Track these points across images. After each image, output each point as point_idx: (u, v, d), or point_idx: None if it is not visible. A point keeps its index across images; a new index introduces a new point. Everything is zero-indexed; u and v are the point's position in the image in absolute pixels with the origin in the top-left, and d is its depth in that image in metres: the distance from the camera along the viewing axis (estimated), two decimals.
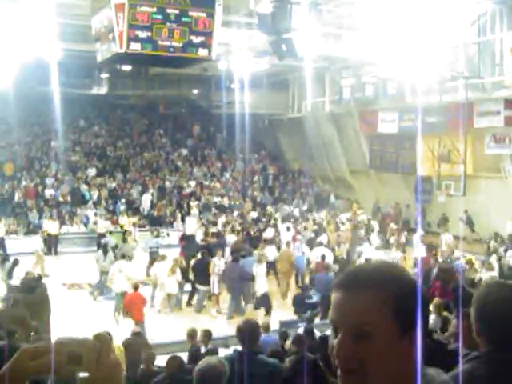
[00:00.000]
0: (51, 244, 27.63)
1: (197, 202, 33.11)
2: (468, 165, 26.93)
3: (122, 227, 28.75)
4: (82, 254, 26.75)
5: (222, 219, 29.24)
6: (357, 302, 1.74)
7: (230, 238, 25.07)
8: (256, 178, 37.79)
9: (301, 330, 12.09)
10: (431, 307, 14.18)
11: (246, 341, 6.71)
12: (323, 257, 21.47)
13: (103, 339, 1.54)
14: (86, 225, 30.07)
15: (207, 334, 11.98)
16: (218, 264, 19.98)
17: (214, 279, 19.72)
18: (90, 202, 32.25)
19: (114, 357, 1.54)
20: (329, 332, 12.07)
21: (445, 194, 27.87)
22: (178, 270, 20.12)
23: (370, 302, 1.73)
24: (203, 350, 11.47)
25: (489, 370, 2.74)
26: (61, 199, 31.80)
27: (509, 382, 2.41)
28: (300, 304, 17.84)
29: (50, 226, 28.01)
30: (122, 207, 31.87)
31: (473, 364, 2.83)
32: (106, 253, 21.71)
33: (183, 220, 30.51)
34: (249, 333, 6.72)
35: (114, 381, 1.54)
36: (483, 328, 2.85)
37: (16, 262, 19.80)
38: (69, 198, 31.97)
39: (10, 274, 19.40)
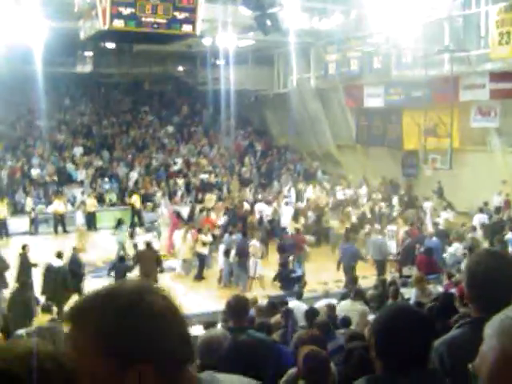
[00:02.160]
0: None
1: (183, 180, 33.10)
2: (454, 138, 26.98)
3: (132, 205, 28.84)
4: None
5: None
6: (69, 340, 1.54)
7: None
8: (246, 158, 37.50)
9: (291, 304, 12.19)
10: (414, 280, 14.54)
11: (235, 316, 6.77)
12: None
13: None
14: (72, 204, 29.93)
15: None
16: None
17: (255, 262, 19.72)
18: (86, 181, 32.10)
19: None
20: (317, 305, 12.18)
21: (431, 167, 27.97)
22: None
23: (76, 338, 1.53)
24: None
25: (476, 335, 2.78)
26: (47, 178, 31.64)
27: (465, 345, 2.45)
28: (286, 280, 18.06)
29: (58, 205, 28.18)
30: (107, 186, 31.84)
31: (462, 329, 2.89)
32: None
33: (170, 198, 30.51)
34: (238, 308, 6.77)
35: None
36: (474, 295, 2.91)
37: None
38: (55, 178, 31.83)
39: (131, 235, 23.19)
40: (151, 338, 1.51)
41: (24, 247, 17.97)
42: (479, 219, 23.93)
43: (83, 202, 29.12)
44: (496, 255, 3.06)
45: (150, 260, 18.61)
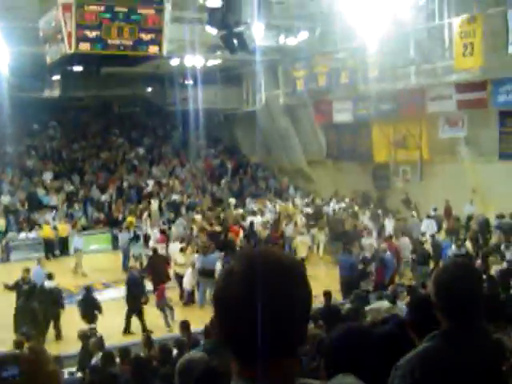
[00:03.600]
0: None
1: (157, 201, 32.95)
2: (423, 150, 27.25)
3: (128, 226, 28.27)
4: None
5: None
6: None
7: None
8: (223, 180, 37.47)
9: None
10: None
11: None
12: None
13: (39, 351, 1.55)
14: None
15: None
16: None
17: None
18: (60, 206, 31.86)
19: (51, 366, 1.56)
20: None
21: (402, 179, 28.19)
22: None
23: None
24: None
25: (447, 347, 2.80)
26: (18, 205, 31.34)
27: (464, 357, 2.46)
28: None
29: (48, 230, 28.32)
30: (79, 214, 31.56)
31: (433, 342, 2.89)
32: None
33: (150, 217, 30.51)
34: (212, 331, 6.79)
35: None
36: (441, 305, 2.92)
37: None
38: (26, 204, 31.53)
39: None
40: None
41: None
42: (427, 224, 24.74)
43: (55, 227, 28.89)
44: (461, 265, 3.08)
45: (161, 264, 20.92)
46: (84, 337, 12.79)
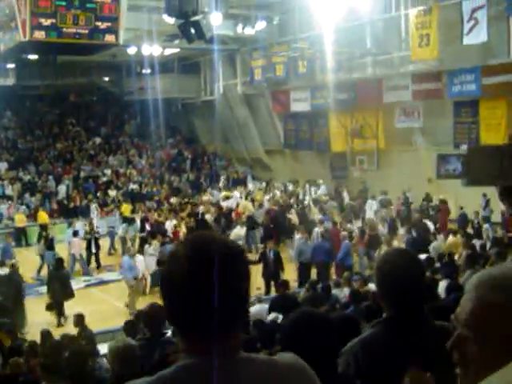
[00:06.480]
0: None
1: (116, 191, 32.77)
2: (380, 139, 27.49)
3: (122, 213, 28.70)
4: None
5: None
6: None
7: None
8: (174, 164, 37.43)
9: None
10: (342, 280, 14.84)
11: (151, 325, 6.67)
12: None
13: None
14: (0, 220, 29.32)
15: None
16: None
17: None
18: (15, 197, 31.52)
19: None
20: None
21: (359, 169, 28.41)
22: None
23: None
24: None
25: (388, 334, 2.85)
26: None
27: (405, 344, 2.51)
28: None
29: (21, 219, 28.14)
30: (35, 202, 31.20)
31: (375, 329, 2.95)
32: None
33: (102, 209, 30.27)
34: (154, 316, 6.68)
35: None
36: (384, 293, 2.97)
37: None
38: None
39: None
40: None
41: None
42: (369, 205, 25.99)
43: (11, 218, 28.56)
44: (403, 254, 3.13)
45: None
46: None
